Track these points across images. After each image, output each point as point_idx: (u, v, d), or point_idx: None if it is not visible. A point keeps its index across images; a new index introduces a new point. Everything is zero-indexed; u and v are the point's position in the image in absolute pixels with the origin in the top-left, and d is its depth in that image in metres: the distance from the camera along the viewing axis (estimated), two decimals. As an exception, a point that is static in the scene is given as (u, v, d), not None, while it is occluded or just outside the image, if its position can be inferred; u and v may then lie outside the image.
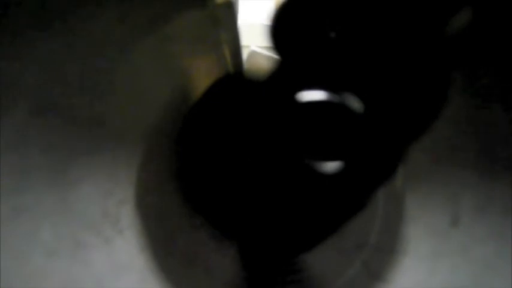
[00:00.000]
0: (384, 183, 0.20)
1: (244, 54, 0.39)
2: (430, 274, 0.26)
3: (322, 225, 0.34)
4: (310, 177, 0.21)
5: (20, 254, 0.21)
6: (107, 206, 0.28)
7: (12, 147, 0.21)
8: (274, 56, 0.43)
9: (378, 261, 0.31)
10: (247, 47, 0.40)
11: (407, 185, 0.31)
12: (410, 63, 0.16)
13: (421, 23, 0.15)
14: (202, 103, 0.39)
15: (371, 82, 0.18)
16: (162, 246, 0.32)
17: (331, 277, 0.33)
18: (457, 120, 0.26)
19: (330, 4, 0.17)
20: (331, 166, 0.20)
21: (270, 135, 0.21)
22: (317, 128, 0.19)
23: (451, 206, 0.26)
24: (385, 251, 0.31)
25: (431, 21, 0.15)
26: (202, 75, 0.36)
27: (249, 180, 0.40)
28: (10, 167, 0.21)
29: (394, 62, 0.17)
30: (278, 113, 0.20)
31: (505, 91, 0.24)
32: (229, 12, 0.32)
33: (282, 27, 0.17)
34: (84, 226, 0.25)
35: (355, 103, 0.17)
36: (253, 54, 0.41)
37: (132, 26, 0.27)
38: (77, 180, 0.25)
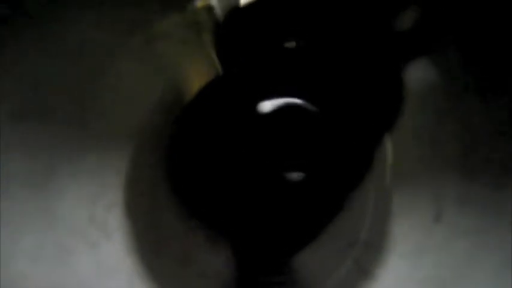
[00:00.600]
0: (357, 184, 0.20)
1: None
2: (414, 269, 0.26)
3: (307, 225, 0.34)
4: (279, 185, 0.22)
5: (1, 260, 0.21)
6: (94, 210, 0.28)
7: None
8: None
9: (368, 259, 0.31)
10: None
11: (394, 183, 0.31)
12: (361, 60, 0.17)
13: (369, 21, 0.15)
14: (194, 105, 0.39)
15: (324, 84, 0.18)
16: (153, 249, 0.32)
17: (323, 276, 0.33)
18: (440, 120, 0.26)
19: (280, 10, 0.17)
20: (298, 175, 0.21)
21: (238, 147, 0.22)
22: (280, 135, 0.20)
23: (434, 202, 0.26)
24: (375, 248, 0.31)
25: (379, 18, 0.15)
26: (190, 76, 0.37)
27: (240, 182, 0.40)
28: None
29: (346, 60, 0.17)
30: (238, 123, 0.20)
31: (486, 90, 0.24)
32: (210, 15, 0.32)
33: (230, 37, 0.17)
34: (69, 232, 0.26)
35: (309, 106, 0.18)
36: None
37: (113, 29, 0.27)
38: (62, 186, 0.25)
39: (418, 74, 0.23)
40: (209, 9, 0.32)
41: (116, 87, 0.29)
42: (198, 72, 0.37)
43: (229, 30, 0.17)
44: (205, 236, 0.38)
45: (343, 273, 0.33)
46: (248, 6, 0.17)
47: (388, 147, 0.31)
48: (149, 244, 0.32)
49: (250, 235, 0.39)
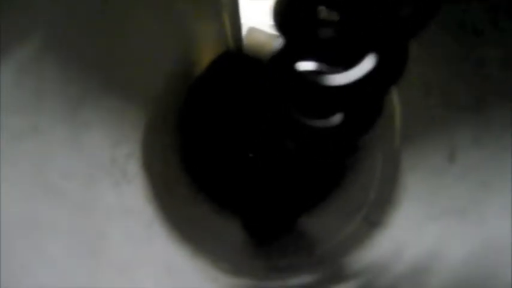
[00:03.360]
0: (372, 127, 0.22)
1: (244, 30, 0.41)
2: (430, 207, 0.26)
3: (312, 186, 0.35)
4: (308, 132, 0.23)
5: (35, 167, 0.21)
6: (115, 155, 0.29)
7: (29, 71, 0.21)
8: (273, 32, 0.45)
9: (377, 213, 0.32)
10: (246, 23, 0.41)
11: (404, 138, 0.32)
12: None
13: None
14: (204, 79, 0.40)
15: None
16: (169, 204, 0.32)
17: (332, 233, 0.34)
18: (449, 60, 0.27)
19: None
20: (329, 121, 0.22)
21: (269, 98, 0.23)
22: (310, 90, 0.21)
23: (447, 145, 0.27)
24: (384, 202, 0.31)
25: None
26: (204, 42, 0.38)
27: (249, 154, 0.41)
28: (27, 87, 0.21)
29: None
30: (278, 80, 0.22)
31: (496, 29, 0.25)
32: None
33: (285, 7, 0.18)
34: (94, 165, 0.26)
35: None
36: (252, 30, 0.42)
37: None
38: (88, 120, 0.26)
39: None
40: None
41: (136, 36, 0.30)
42: (211, 39, 0.38)
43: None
44: (211, 208, 0.39)
45: (351, 229, 0.34)
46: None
47: (397, 106, 0.33)
48: (165, 198, 0.32)
49: (255, 205, 0.40)
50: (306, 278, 0.31)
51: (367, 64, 0.18)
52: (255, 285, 0.31)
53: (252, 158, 0.41)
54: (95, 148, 0.26)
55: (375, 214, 0.32)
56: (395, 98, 0.32)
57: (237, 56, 0.41)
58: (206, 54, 0.39)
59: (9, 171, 0.19)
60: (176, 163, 0.38)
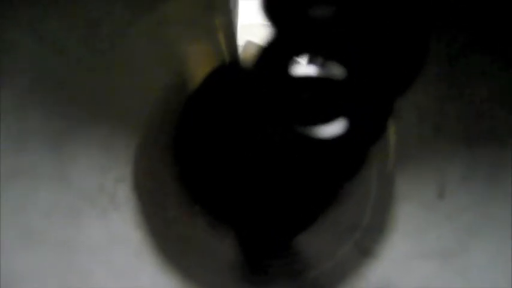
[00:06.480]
0: (374, 142, 0.21)
1: (240, 43, 0.40)
2: (418, 245, 0.26)
3: (307, 208, 0.35)
4: (307, 144, 0.22)
5: (17, 212, 0.21)
6: (103, 181, 0.29)
7: (13, 111, 0.21)
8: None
9: (369, 240, 0.31)
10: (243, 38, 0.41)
11: (397, 164, 0.32)
12: (391, 21, 0.17)
13: None
14: (200, 92, 0.40)
15: (354, 44, 0.19)
16: (158, 228, 0.32)
17: (324, 257, 0.34)
18: (440, 95, 0.27)
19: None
20: (324, 131, 0.21)
21: (262, 106, 0.22)
22: (307, 96, 0.20)
23: (437, 179, 0.27)
24: (376, 230, 0.31)
25: None
26: (198, 61, 0.37)
27: (246, 168, 0.41)
28: (9, 129, 0.21)
29: (376, 22, 0.17)
30: (269, 83, 0.21)
31: (488, 64, 0.25)
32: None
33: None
34: (80, 196, 0.26)
35: (338, 69, 0.18)
36: (249, 44, 0.42)
37: (131, 5, 0.28)
38: (74, 152, 0.26)
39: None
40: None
41: (126, 65, 0.30)
42: (205, 58, 0.38)
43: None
44: (207, 221, 0.39)
45: (343, 254, 0.33)
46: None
47: (391, 131, 0.32)
48: (155, 221, 0.32)
49: (252, 219, 0.40)
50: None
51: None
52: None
53: (249, 171, 0.41)
54: (82, 179, 0.26)
55: (366, 241, 0.32)
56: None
57: (233, 70, 0.40)
58: (200, 70, 0.39)
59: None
60: (169, 181, 0.38)
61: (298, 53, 0.20)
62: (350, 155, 0.23)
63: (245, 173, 0.41)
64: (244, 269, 0.37)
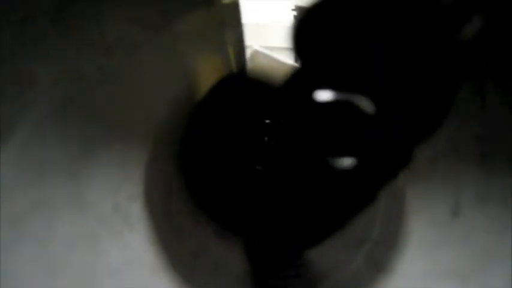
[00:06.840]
0: (391, 179, 0.21)
1: (248, 53, 0.40)
2: (432, 263, 0.26)
3: (331, 219, 0.35)
4: (325, 172, 0.22)
5: (39, 244, 0.21)
6: (118, 200, 0.29)
7: (33, 141, 0.21)
8: (276, 56, 0.44)
9: (380, 254, 0.32)
10: (250, 46, 0.41)
11: (407, 180, 0.32)
12: (422, 67, 0.17)
13: (434, 29, 0.16)
14: (206, 102, 0.40)
15: (384, 84, 0.19)
16: (170, 242, 0.32)
17: (335, 270, 0.34)
18: (460, 120, 0.27)
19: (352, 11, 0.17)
20: (344, 162, 0.21)
21: (283, 132, 0.22)
22: (331, 126, 0.20)
23: (451, 198, 0.27)
24: (387, 244, 0.31)
25: (444, 27, 0.16)
26: (208, 75, 0.37)
27: (254, 179, 0.41)
28: (30, 161, 0.21)
29: (407, 65, 0.17)
30: (295, 111, 0.21)
31: (504, 85, 0.25)
32: (235, 12, 0.33)
33: (304, 31, 0.18)
34: (97, 220, 0.26)
35: (367, 103, 0.18)
36: (256, 54, 0.42)
37: (143, 25, 0.28)
38: (89, 174, 0.26)
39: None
40: (234, 5, 0.33)
41: (138, 83, 0.30)
42: (214, 69, 0.38)
43: (307, 24, 0.17)
44: (214, 231, 0.39)
45: (354, 268, 0.34)
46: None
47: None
48: (166, 236, 0.32)
49: (260, 232, 0.40)
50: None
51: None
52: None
53: (258, 182, 0.41)
54: (97, 200, 0.26)
55: (377, 254, 0.32)
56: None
57: (239, 80, 0.40)
58: (209, 81, 0.39)
59: (9, 258, 0.19)
60: (178, 192, 0.38)
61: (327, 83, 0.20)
62: (361, 189, 0.23)
63: (254, 183, 0.41)
64: (252, 282, 0.37)
